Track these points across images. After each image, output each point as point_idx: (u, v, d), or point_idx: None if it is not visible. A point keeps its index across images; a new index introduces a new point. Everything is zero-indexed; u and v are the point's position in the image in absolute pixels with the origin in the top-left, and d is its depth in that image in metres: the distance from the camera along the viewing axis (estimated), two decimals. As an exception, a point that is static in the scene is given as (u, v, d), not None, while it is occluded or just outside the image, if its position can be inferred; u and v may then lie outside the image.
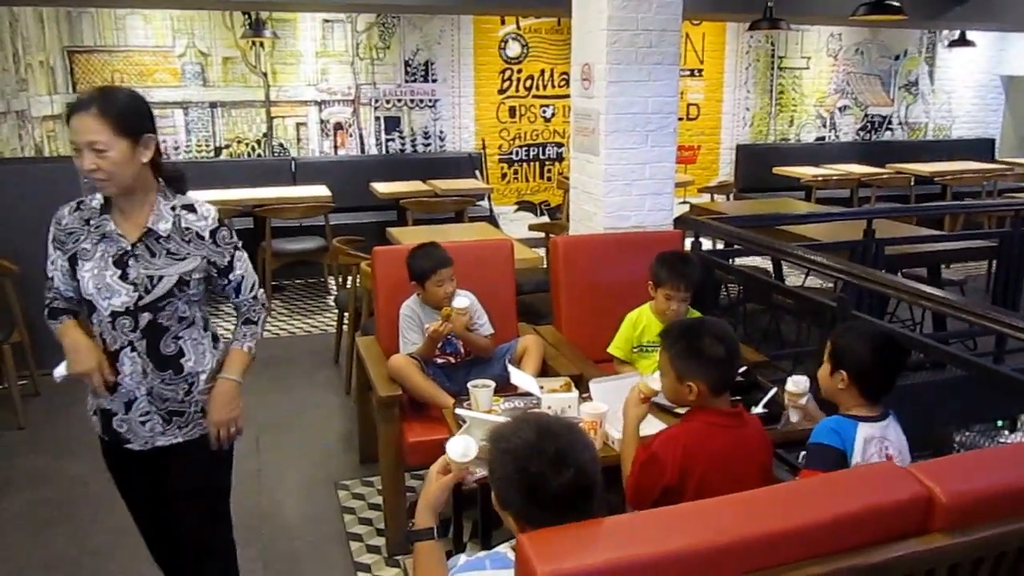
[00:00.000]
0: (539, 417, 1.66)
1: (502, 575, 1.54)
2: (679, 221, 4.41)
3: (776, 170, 8.66)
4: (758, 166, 9.09)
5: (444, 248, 3.29)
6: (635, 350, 3.26)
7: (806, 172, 8.36)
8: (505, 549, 1.59)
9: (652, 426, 2.41)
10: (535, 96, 8.54)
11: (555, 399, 2.68)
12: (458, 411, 2.69)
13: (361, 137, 8.07)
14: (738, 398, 2.46)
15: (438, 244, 3.32)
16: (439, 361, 3.30)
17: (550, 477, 1.51)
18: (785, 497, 1.65)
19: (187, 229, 2.14)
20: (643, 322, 3.25)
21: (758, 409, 2.52)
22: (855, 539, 1.54)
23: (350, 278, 4.77)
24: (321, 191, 6.92)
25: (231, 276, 2.24)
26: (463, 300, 3.18)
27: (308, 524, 3.38)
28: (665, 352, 2.23)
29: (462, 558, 1.68)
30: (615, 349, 3.29)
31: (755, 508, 1.56)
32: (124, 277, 2.09)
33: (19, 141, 5.94)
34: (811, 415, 2.45)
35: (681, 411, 2.34)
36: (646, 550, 1.41)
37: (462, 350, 3.34)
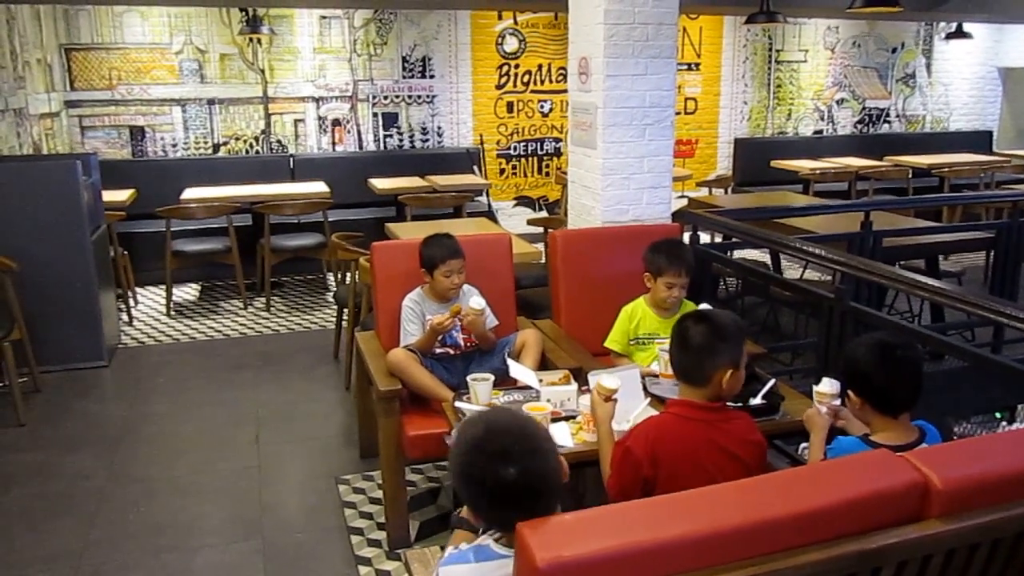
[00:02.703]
0: (494, 413, 1.65)
1: (486, 567, 1.55)
2: (677, 214, 4.42)
3: (774, 163, 8.67)
4: (756, 160, 9.10)
5: (457, 240, 3.31)
6: (632, 343, 3.27)
7: (804, 165, 8.37)
8: (488, 541, 1.59)
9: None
10: (533, 91, 8.53)
11: (554, 392, 2.69)
12: (458, 404, 2.70)
13: (359, 133, 8.07)
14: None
15: (452, 236, 3.34)
16: (437, 351, 3.31)
17: (489, 474, 1.52)
18: (783, 484, 1.66)
19: None
20: (639, 315, 3.26)
21: (756, 400, 2.53)
22: (852, 526, 1.55)
23: (349, 274, 4.78)
24: (319, 187, 6.93)
25: None
26: (479, 300, 3.19)
27: (308, 518, 3.39)
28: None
29: (449, 549, 1.69)
30: (612, 343, 3.29)
31: (754, 495, 1.57)
32: None
33: (17, 139, 5.94)
34: (844, 417, 2.30)
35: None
36: (645, 537, 1.42)
37: (462, 343, 3.36)
